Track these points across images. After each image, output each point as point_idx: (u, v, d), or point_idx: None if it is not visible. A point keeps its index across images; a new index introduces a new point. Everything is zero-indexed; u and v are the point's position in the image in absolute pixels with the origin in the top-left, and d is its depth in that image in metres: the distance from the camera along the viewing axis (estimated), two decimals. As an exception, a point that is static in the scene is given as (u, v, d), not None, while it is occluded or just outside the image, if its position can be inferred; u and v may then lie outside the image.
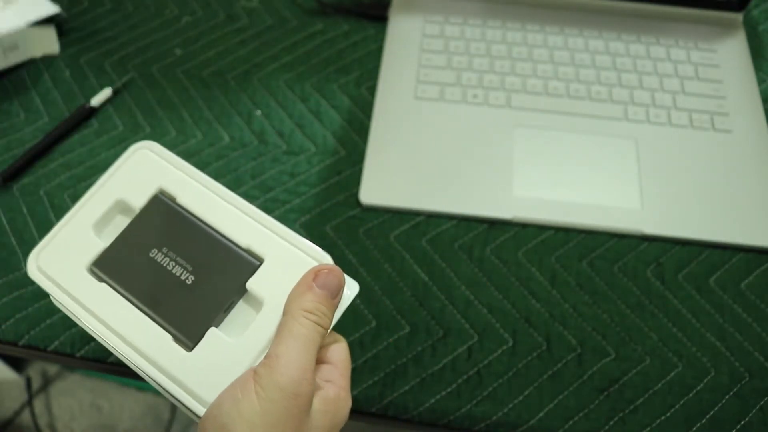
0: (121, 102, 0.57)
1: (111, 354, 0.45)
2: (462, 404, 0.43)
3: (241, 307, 0.33)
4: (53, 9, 0.58)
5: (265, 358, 0.30)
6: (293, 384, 0.28)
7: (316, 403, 0.30)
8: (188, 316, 0.32)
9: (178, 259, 0.33)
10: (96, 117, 0.56)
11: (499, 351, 0.45)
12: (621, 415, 0.43)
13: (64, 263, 0.34)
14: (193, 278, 0.33)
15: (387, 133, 0.55)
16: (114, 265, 0.33)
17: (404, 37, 0.61)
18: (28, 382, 1.13)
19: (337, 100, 0.57)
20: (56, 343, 0.45)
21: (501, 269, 0.49)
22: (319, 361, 0.34)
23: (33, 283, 0.47)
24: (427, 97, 0.57)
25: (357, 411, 0.44)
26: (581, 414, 0.43)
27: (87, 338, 0.45)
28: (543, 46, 0.60)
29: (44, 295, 0.47)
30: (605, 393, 0.44)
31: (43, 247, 0.34)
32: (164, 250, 0.33)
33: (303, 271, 0.32)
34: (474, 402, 0.43)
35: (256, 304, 0.33)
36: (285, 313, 0.31)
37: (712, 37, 0.62)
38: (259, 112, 0.57)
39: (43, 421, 1.12)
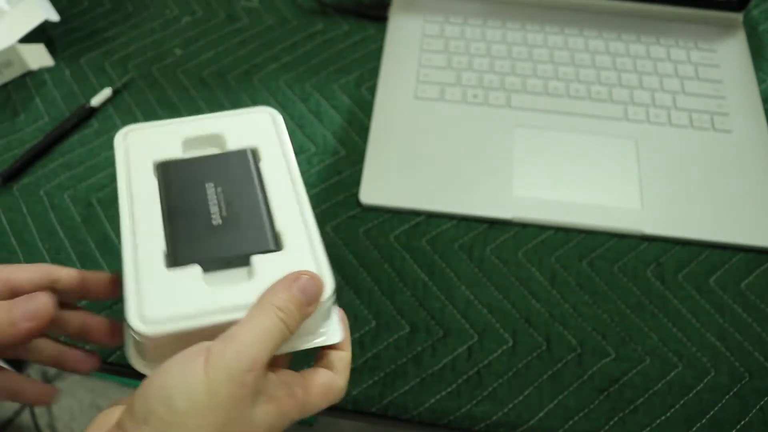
0: (121, 102, 0.57)
1: (111, 354, 0.45)
2: (462, 404, 0.43)
3: (236, 274, 0.33)
4: (42, 17, 0.57)
5: (222, 335, 0.29)
6: (241, 371, 0.27)
7: (263, 401, 0.29)
8: (190, 242, 0.33)
9: (221, 203, 0.35)
10: (96, 117, 0.56)
11: (499, 351, 0.45)
12: (621, 415, 0.43)
13: (143, 150, 0.36)
14: (219, 222, 0.34)
15: (387, 133, 0.55)
16: (172, 173, 0.35)
17: (404, 37, 0.61)
18: (28, 382, 1.13)
19: (337, 100, 0.57)
20: (56, 343, 0.45)
21: (501, 269, 0.49)
22: (296, 372, 0.33)
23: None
24: (427, 97, 0.57)
25: (357, 411, 0.44)
26: (581, 414, 0.43)
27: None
28: (543, 46, 0.60)
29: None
30: (605, 393, 0.44)
31: (136, 128, 0.37)
32: (218, 189, 0.35)
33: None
34: (474, 402, 0.43)
35: (249, 279, 0.33)
36: (257, 304, 0.30)
37: (712, 37, 0.62)
38: (259, 112, 0.57)
39: (43, 421, 1.12)
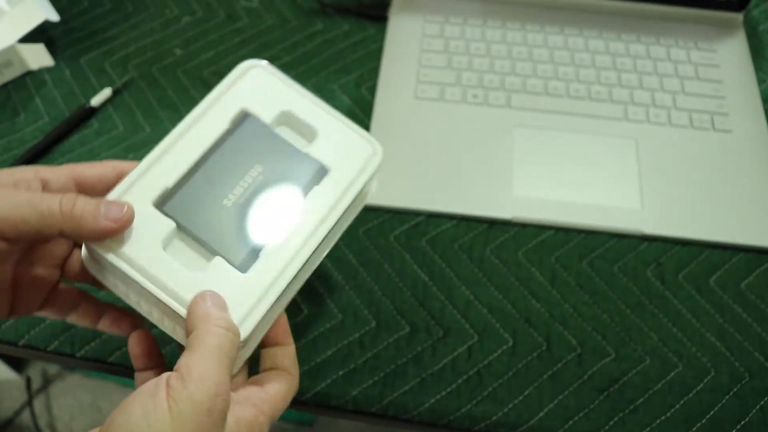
0: (121, 102, 0.57)
1: (111, 354, 0.45)
2: (462, 404, 0.43)
3: (197, 258, 0.33)
4: (42, 17, 0.57)
5: (176, 369, 0.28)
6: (208, 399, 0.27)
7: (231, 422, 0.29)
8: (190, 199, 0.34)
9: (248, 191, 0.34)
10: (96, 117, 0.56)
11: (499, 351, 0.45)
12: (621, 415, 0.43)
13: (245, 92, 0.37)
14: (227, 204, 0.34)
15: (387, 133, 0.55)
16: (245, 131, 0.35)
17: (404, 37, 0.61)
18: (28, 383, 1.13)
19: (337, 100, 0.57)
20: (56, 343, 0.45)
21: (501, 269, 0.49)
22: (253, 382, 0.33)
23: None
24: (427, 97, 0.57)
25: (357, 411, 0.44)
26: (581, 414, 0.43)
27: (87, 338, 0.45)
28: (543, 46, 0.60)
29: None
30: (605, 393, 0.44)
31: (263, 69, 0.38)
32: (260, 178, 0.35)
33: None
34: (474, 402, 0.43)
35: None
36: (193, 325, 0.29)
37: (712, 37, 0.62)
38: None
39: (43, 421, 1.12)
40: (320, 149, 0.36)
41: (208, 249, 0.33)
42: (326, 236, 0.34)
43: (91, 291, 0.39)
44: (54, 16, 0.59)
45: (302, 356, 0.45)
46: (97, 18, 0.63)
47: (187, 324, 0.30)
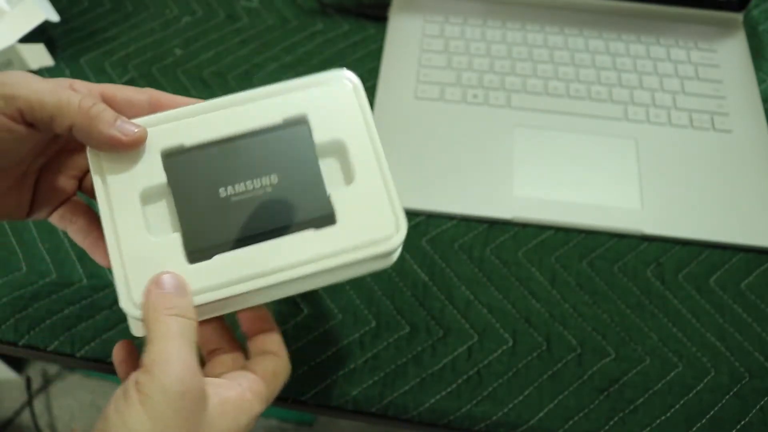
0: (121, 102, 0.57)
1: (111, 354, 0.45)
2: (462, 404, 0.43)
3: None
4: (42, 17, 0.57)
5: (140, 366, 0.27)
6: (178, 382, 0.26)
7: (215, 403, 0.28)
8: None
9: (246, 181, 0.32)
10: (96, 117, 0.56)
11: (499, 351, 0.45)
12: (621, 415, 0.43)
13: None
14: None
15: (387, 133, 0.55)
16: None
17: (404, 37, 0.61)
18: (28, 382, 1.13)
19: (337, 100, 0.57)
20: (56, 343, 0.45)
21: (501, 269, 0.49)
22: (240, 368, 0.33)
23: (33, 283, 0.47)
24: (427, 97, 0.57)
25: (357, 411, 0.44)
26: (581, 414, 0.43)
27: (87, 338, 0.45)
28: (543, 46, 0.60)
29: (43, 295, 0.47)
30: (605, 393, 0.44)
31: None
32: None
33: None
34: (474, 402, 0.43)
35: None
36: (149, 321, 0.29)
37: (712, 37, 0.62)
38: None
39: (43, 421, 1.12)
40: (345, 198, 0.33)
41: (177, 222, 0.32)
42: (293, 281, 0.32)
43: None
44: (54, 17, 0.59)
45: (302, 356, 0.45)
46: (97, 18, 0.63)
47: (143, 317, 0.30)
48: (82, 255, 0.49)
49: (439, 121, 0.56)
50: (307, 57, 0.60)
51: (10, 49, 0.56)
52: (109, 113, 0.31)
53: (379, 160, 0.33)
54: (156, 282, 0.30)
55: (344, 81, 0.34)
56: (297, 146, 0.33)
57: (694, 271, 0.49)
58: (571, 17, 0.63)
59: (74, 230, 0.37)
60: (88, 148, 0.32)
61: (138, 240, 0.31)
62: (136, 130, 0.31)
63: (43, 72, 0.59)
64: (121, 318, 0.46)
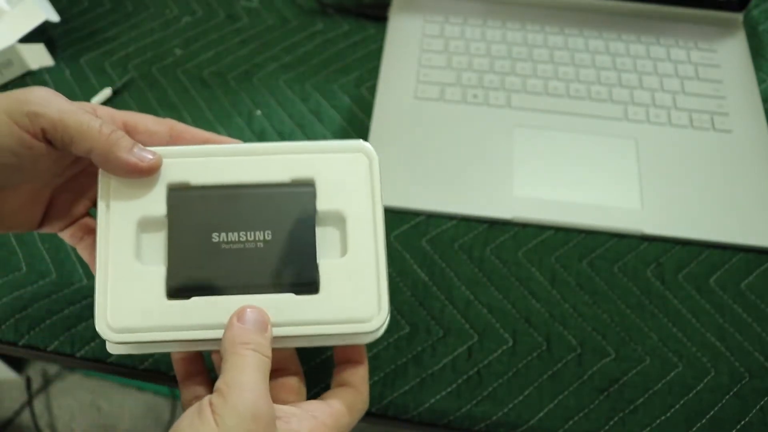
0: (121, 102, 0.57)
1: (111, 354, 0.45)
2: (462, 404, 0.43)
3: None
4: (42, 17, 0.57)
5: (215, 391, 0.29)
6: (251, 405, 0.28)
7: (284, 431, 0.29)
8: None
9: (241, 232, 0.32)
10: (96, 117, 0.56)
11: (499, 351, 0.45)
12: (621, 415, 0.43)
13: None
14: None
15: (387, 133, 0.55)
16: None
17: (404, 37, 0.61)
18: (28, 382, 1.13)
19: (337, 100, 0.57)
20: (56, 343, 0.45)
21: (501, 269, 0.49)
22: (317, 398, 0.34)
23: (33, 283, 0.47)
24: (427, 97, 0.57)
25: (357, 411, 0.44)
26: (581, 414, 0.43)
27: (87, 338, 0.45)
28: (543, 46, 0.60)
29: (43, 295, 0.47)
30: (605, 393, 0.44)
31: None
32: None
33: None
34: (474, 402, 0.43)
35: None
36: (223, 353, 0.30)
37: (712, 37, 0.62)
38: (259, 113, 0.57)
39: (43, 421, 1.12)
40: (334, 269, 0.32)
41: (165, 255, 0.32)
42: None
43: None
44: (54, 17, 0.59)
45: (302, 357, 0.45)
46: (97, 18, 0.63)
47: (221, 347, 0.31)
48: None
49: (439, 121, 0.56)
50: (307, 57, 0.60)
51: (10, 49, 0.56)
52: (126, 140, 0.32)
53: (376, 239, 0.33)
54: (239, 315, 0.31)
55: (361, 153, 0.34)
56: (298, 208, 0.32)
57: (694, 271, 0.49)
58: (571, 17, 0.63)
59: (83, 247, 0.38)
60: (100, 171, 0.33)
61: (125, 264, 0.32)
62: (151, 157, 0.32)
63: (42, 72, 0.59)
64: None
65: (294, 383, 0.35)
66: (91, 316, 0.46)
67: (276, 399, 0.32)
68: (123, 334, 0.31)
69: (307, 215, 0.32)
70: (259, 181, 0.33)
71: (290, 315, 0.32)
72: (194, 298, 0.31)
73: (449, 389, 0.44)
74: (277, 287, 0.32)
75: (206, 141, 0.35)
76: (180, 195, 0.33)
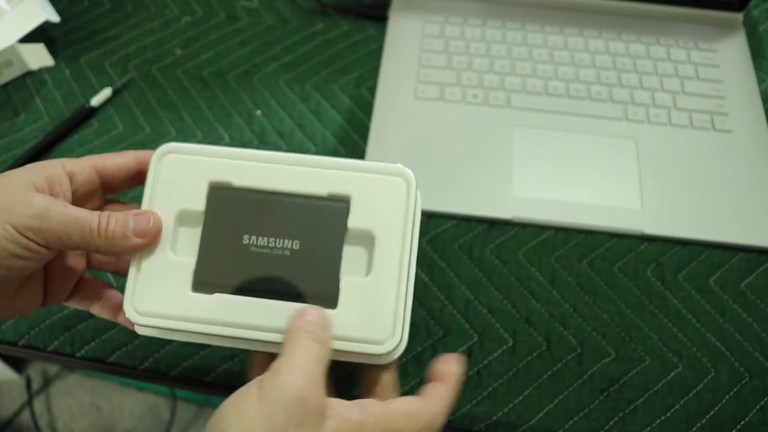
0: (121, 102, 0.57)
1: (111, 354, 0.45)
2: (462, 404, 0.43)
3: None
4: (42, 17, 0.57)
5: (270, 369, 0.29)
6: (298, 387, 0.27)
7: (334, 420, 0.28)
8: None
9: (271, 238, 0.33)
10: (96, 117, 0.56)
11: (499, 351, 0.45)
12: (621, 415, 0.43)
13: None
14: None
15: (387, 133, 0.55)
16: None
17: (404, 37, 0.61)
18: (28, 382, 1.13)
19: (337, 100, 0.57)
20: (56, 343, 0.45)
21: (501, 269, 0.49)
22: (383, 401, 0.32)
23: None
24: (427, 97, 0.57)
25: (357, 411, 0.44)
26: (581, 414, 0.43)
27: (87, 338, 0.45)
28: (543, 46, 0.60)
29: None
30: (605, 393, 0.44)
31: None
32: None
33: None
34: (474, 402, 0.43)
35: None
36: (285, 341, 0.31)
37: (712, 37, 0.62)
38: (259, 112, 0.57)
39: (43, 421, 1.12)
40: (355, 288, 0.33)
41: (197, 250, 0.33)
42: (272, 344, 0.33)
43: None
44: (54, 17, 0.59)
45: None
46: (97, 18, 0.63)
47: (284, 337, 0.31)
48: (82, 255, 0.49)
49: (439, 121, 0.56)
50: (307, 57, 0.60)
51: (10, 49, 0.56)
52: (120, 224, 0.32)
53: (402, 264, 0.32)
54: (303, 311, 0.31)
55: (401, 178, 0.34)
56: (329, 223, 0.33)
57: (694, 271, 0.49)
58: (571, 17, 0.63)
59: (100, 308, 0.39)
60: (151, 163, 0.34)
61: (159, 253, 0.33)
62: (149, 226, 0.33)
63: (42, 72, 0.59)
64: (121, 318, 0.46)
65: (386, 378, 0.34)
66: (91, 316, 0.46)
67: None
68: (146, 318, 0.32)
69: (336, 230, 0.33)
70: (296, 191, 0.33)
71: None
72: (216, 294, 0.32)
73: (449, 389, 0.44)
74: (296, 297, 0.32)
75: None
76: (220, 194, 0.34)
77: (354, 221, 0.33)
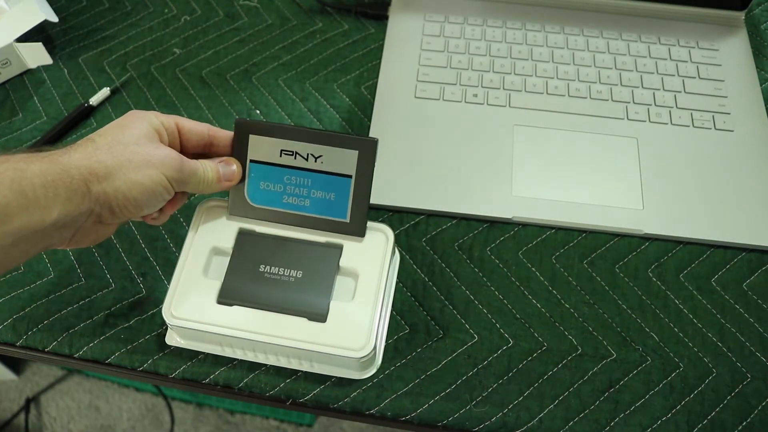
0: (119, 101, 0.57)
1: (109, 354, 0.44)
2: (462, 404, 0.43)
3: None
4: (41, 17, 0.57)
5: None
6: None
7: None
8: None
9: (281, 268, 0.42)
10: (94, 116, 0.56)
11: (499, 351, 0.45)
12: (622, 416, 0.43)
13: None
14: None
15: (387, 133, 0.54)
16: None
17: (404, 37, 0.61)
18: (27, 383, 1.13)
19: (337, 99, 0.57)
20: (54, 343, 0.45)
21: (501, 269, 0.49)
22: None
23: (31, 283, 0.47)
24: (427, 97, 0.57)
25: (356, 412, 0.43)
26: (582, 415, 0.43)
27: (85, 339, 0.45)
28: (543, 46, 0.60)
29: (42, 296, 0.46)
30: (606, 393, 0.44)
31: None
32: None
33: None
34: (474, 402, 0.43)
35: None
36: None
37: (713, 36, 0.62)
38: (258, 112, 0.56)
39: (41, 422, 1.12)
40: (341, 309, 0.41)
41: (224, 274, 0.42)
42: (274, 347, 0.41)
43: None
44: (53, 17, 0.59)
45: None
46: (95, 17, 0.63)
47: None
48: (80, 255, 0.48)
49: (438, 121, 0.55)
50: (306, 56, 0.60)
51: (9, 48, 0.56)
52: (215, 172, 0.41)
53: (377, 295, 0.42)
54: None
55: (382, 234, 0.44)
56: (326, 261, 0.43)
57: (695, 271, 0.49)
58: (571, 16, 0.63)
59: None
60: (198, 207, 0.45)
61: (194, 274, 0.43)
62: (233, 174, 0.42)
63: (41, 71, 0.58)
64: (119, 318, 0.46)
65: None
66: (89, 317, 0.46)
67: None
68: (178, 320, 0.41)
69: (331, 267, 0.43)
70: (302, 238, 0.44)
71: (301, 333, 0.40)
72: (235, 307, 0.41)
73: (449, 390, 0.44)
74: (297, 312, 0.41)
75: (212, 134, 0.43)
76: (246, 237, 0.44)
77: (344, 261, 0.43)
